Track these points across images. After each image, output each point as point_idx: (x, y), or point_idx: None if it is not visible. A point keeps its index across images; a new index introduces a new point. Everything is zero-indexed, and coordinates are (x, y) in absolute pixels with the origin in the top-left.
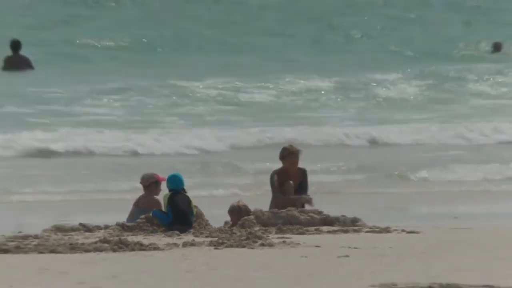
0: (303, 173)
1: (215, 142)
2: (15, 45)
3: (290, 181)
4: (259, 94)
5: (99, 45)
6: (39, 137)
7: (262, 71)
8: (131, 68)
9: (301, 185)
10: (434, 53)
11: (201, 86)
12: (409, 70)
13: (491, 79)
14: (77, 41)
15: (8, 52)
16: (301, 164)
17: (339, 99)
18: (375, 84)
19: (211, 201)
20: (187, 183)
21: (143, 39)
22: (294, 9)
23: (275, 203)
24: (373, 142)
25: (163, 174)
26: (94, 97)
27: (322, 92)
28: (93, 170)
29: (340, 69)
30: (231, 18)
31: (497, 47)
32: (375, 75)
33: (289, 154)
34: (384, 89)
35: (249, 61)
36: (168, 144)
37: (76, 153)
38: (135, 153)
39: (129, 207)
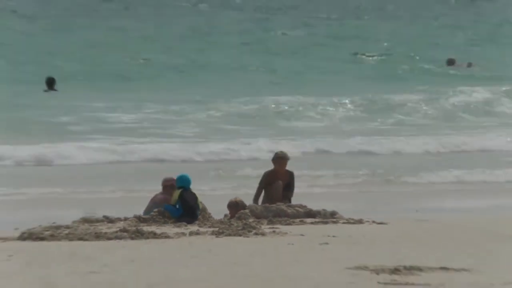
0: (290, 175)
1: (231, 151)
2: (50, 82)
3: (279, 181)
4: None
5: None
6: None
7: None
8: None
9: (288, 185)
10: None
11: (231, 104)
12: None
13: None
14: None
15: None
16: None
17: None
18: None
19: (212, 197)
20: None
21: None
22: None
23: (265, 200)
24: (366, 152)
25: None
26: (140, 109)
27: (331, 108)
28: (117, 174)
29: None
30: (248, 42)
31: (450, 62)
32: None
33: (278, 158)
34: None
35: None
36: (188, 151)
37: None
38: (161, 160)
39: (144, 204)
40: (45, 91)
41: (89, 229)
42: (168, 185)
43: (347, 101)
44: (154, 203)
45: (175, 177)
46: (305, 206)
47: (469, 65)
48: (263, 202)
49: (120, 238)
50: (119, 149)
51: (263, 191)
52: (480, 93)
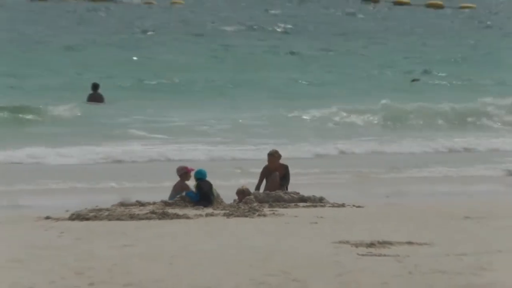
0: (285, 168)
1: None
2: (95, 86)
3: (276, 172)
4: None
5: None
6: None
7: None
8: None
9: (285, 176)
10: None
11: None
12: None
13: None
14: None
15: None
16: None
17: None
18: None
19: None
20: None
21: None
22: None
23: (266, 188)
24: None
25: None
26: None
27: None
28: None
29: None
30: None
31: (414, 79)
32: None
33: (268, 155)
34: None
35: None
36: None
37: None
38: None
39: (168, 192)
40: (91, 94)
41: (124, 211)
42: (183, 173)
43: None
44: (175, 190)
45: (186, 166)
46: (298, 193)
47: (415, 80)
48: (265, 189)
49: (149, 218)
50: (163, 150)
51: (264, 181)
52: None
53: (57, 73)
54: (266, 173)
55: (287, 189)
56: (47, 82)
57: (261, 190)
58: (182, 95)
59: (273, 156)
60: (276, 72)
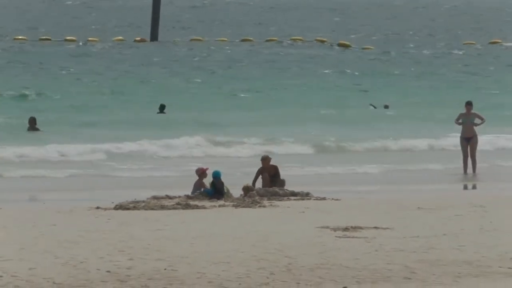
0: (275, 168)
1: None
2: (162, 107)
3: (266, 173)
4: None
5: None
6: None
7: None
8: None
9: (275, 175)
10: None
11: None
12: None
13: None
14: None
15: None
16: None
17: None
18: None
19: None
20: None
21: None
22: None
23: (262, 185)
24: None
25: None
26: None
27: None
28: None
29: None
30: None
31: (385, 106)
32: None
33: (262, 159)
34: None
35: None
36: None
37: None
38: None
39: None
40: (158, 113)
41: (156, 203)
42: (201, 173)
43: None
44: (195, 186)
45: (202, 167)
46: (290, 189)
47: (386, 106)
48: (262, 186)
49: (176, 208)
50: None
51: (259, 179)
52: None
53: None
54: (261, 172)
55: (283, 185)
56: None
57: (256, 185)
58: None
59: (265, 160)
60: None
